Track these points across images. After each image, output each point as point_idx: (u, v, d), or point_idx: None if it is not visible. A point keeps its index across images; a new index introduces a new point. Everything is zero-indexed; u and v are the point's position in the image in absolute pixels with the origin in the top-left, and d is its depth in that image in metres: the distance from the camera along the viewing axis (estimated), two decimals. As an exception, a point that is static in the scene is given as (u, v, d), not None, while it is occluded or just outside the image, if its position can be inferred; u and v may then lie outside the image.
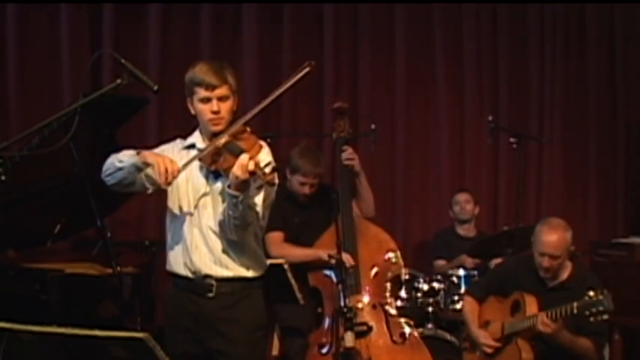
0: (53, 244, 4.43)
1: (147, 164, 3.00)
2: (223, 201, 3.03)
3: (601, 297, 3.73)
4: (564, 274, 4.12)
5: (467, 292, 4.59)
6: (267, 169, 2.85)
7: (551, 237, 4.03)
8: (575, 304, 3.79)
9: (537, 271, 4.11)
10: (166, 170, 2.91)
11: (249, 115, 3.07)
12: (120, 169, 3.06)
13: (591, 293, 3.76)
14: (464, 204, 5.66)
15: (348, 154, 4.42)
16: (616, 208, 6.48)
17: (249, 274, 3.14)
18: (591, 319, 3.76)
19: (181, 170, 3.00)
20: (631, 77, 6.49)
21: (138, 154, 3.02)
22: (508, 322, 4.14)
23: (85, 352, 2.39)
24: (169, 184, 2.95)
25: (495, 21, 6.29)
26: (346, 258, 4.11)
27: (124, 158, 3.06)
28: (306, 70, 3.12)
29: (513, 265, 4.35)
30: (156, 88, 2.95)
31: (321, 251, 4.29)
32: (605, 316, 3.75)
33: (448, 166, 6.19)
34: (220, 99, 3.05)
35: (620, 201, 6.48)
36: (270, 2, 5.85)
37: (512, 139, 5.31)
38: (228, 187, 2.91)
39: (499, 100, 6.28)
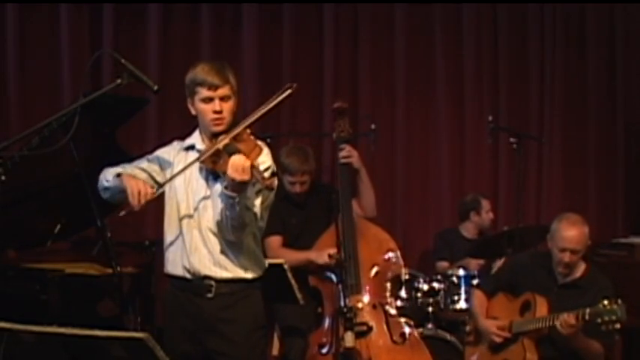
0: (53, 244, 4.42)
1: (124, 187, 3.04)
2: (222, 203, 3.02)
3: (615, 307, 3.73)
4: (577, 272, 4.13)
5: (477, 286, 4.59)
6: (267, 174, 2.85)
7: (572, 232, 4.05)
8: (587, 311, 3.79)
9: (550, 267, 4.12)
10: (139, 192, 2.96)
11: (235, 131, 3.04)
12: (107, 188, 3.17)
13: (605, 302, 3.75)
14: (491, 213, 5.68)
15: (345, 152, 4.41)
16: (616, 208, 6.47)
17: (248, 275, 3.14)
18: (602, 327, 3.76)
19: (172, 178, 3.09)
20: (631, 77, 6.48)
21: (119, 176, 3.09)
22: (517, 321, 4.14)
23: (85, 352, 2.39)
24: (142, 205, 2.99)
25: (495, 21, 6.29)
26: (324, 254, 4.13)
27: (109, 177, 3.15)
28: (288, 92, 3.10)
29: (524, 260, 4.35)
30: (156, 88, 2.96)
31: (312, 254, 4.30)
32: (617, 326, 3.75)
33: (448, 166, 6.18)
34: (222, 99, 3.06)
35: (620, 201, 6.48)
36: (270, 2, 5.85)
37: (512, 139, 5.31)
38: (225, 187, 2.91)
39: (499, 100, 6.28)
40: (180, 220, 3.15)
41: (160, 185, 3.14)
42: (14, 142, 3.02)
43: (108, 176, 3.16)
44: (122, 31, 5.58)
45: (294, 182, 4.51)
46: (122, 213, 3.04)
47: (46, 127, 3.35)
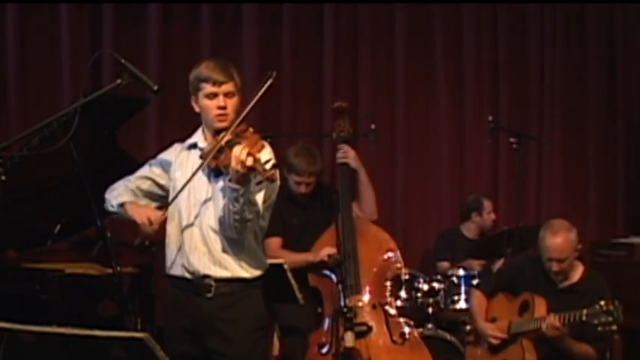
0: (53, 244, 4.42)
1: (131, 218, 3.14)
2: (224, 199, 3.03)
3: (612, 308, 3.72)
4: (575, 276, 4.11)
5: (476, 286, 4.59)
6: (268, 165, 2.85)
7: (555, 241, 4.02)
8: (584, 312, 3.78)
9: (547, 271, 4.11)
10: (149, 219, 3.06)
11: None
12: (114, 211, 3.26)
13: (602, 303, 3.74)
14: (492, 214, 5.69)
15: (342, 152, 4.42)
16: (616, 208, 6.48)
17: (248, 274, 3.14)
18: (599, 328, 3.75)
19: (183, 188, 3.09)
20: (631, 77, 6.49)
21: (122, 205, 3.19)
22: (515, 321, 4.13)
23: (85, 352, 2.39)
24: (157, 229, 3.08)
25: (495, 21, 6.29)
26: (325, 251, 4.13)
27: (114, 203, 3.24)
28: (270, 81, 3.07)
29: (523, 263, 4.34)
30: (156, 88, 2.95)
31: (310, 255, 4.30)
32: (614, 327, 3.74)
33: (448, 166, 6.19)
34: (227, 95, 3.08)
35: (620, 201, 6.48)
36: (270, 2, 5.85)
37: (512, 139, 5.30)
38: (229, 180, 2.92)
39: (499, 100, 6.28)
40: (181, 218, 3.15)
41: (170, 198, 3.15)
42: (14, 142, 3.02)
43: (112, 202, 3.25)
44: (122, 31, 5.59)
45: (301, 183, 4.51)
46: (137, 241, 3.20)
47: (46, 127, 3.34)
